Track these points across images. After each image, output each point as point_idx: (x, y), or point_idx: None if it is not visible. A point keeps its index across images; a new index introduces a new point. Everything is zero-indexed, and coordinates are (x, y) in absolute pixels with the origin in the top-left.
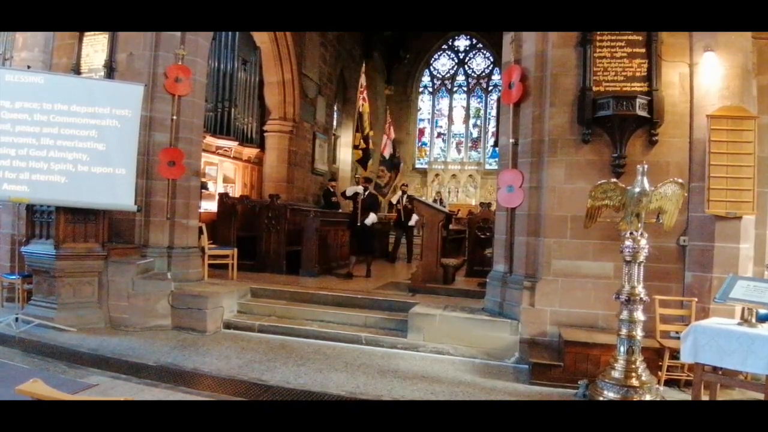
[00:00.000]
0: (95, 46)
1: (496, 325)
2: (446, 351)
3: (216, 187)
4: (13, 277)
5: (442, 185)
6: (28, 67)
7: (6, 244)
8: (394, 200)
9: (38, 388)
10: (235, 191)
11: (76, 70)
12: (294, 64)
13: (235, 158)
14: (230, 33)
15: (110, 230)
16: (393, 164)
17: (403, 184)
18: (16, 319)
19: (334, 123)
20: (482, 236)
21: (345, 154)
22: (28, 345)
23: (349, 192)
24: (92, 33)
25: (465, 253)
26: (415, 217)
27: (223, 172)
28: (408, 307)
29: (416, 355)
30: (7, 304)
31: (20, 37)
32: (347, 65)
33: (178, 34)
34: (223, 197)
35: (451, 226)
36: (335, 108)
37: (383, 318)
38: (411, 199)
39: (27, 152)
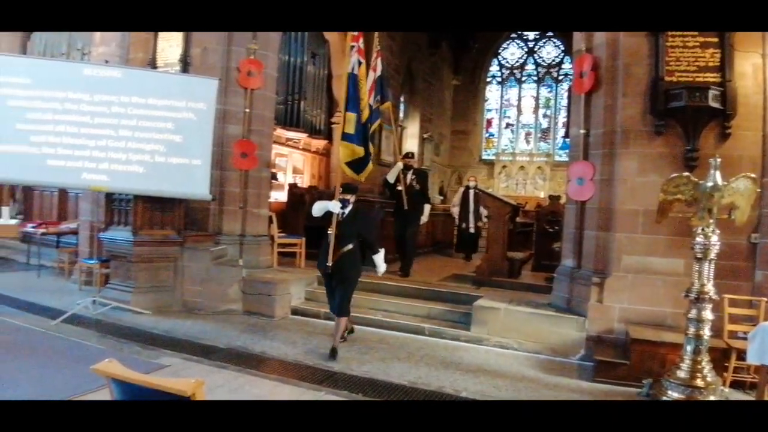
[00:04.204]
0: (170, 41)
1: (562, 321)
2: (510, 345)
3: (285, 178)
4: (92, 261)
5: (510, 177)
6: (106, 61)
7: (85, 230)
8: (391, 177)
9: (113, 367)
10: (304, 182)
11: (152, 64)
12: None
13: (303, 149)
14: None
15: (186, 218)
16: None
17: (406, 155)
18: (94, 301)
19: (401, 114)
20: (550, 230)
21: (411, 145)
22: (104, 326)
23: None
24: None
25: (532, 247)
26: (483, 212)
27: (293, 163)
28: (472, 300)
29: (479, 349)
30: (85, 287)
31: (98, 33)
32: (414, 56)
33: None
34: (293, 188)
35: (518, 219)
36: (402, 99)
37: (447, 310)
38: (420, 176)
39: (106, 143)
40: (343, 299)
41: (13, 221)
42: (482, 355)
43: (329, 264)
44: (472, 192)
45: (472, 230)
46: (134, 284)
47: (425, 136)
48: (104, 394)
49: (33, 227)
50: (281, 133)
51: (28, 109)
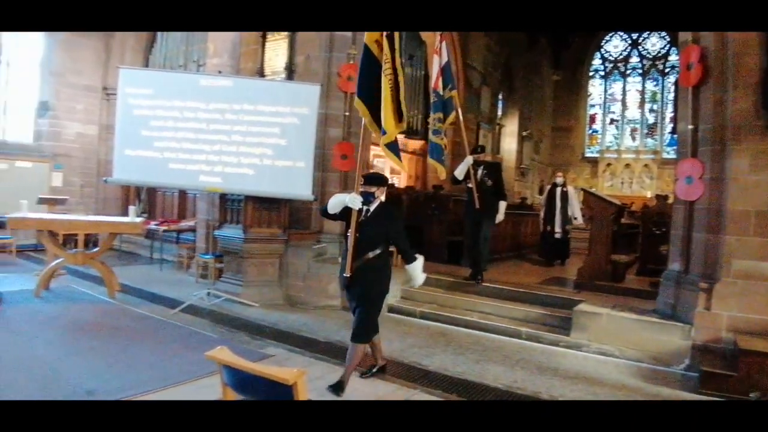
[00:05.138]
0: (276, 50)
1: (666, 329)
2: (611, 352)
3: None
4: (207, 256)
5: (615, 175)
6: (219, 72)
7: (202, 228)
8: (459, 174)
9: (224, 354)
10: (401, 182)
11: (260, 73)
12: (458, 55)
13: (401, 150)
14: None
15: (290, 217)
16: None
17: (478, 147)
18: (208, 293)
19: (499, 112)
20: (657, 232)
21: (510, 144)
22: (217, 316)
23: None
24: (273, 39)
25: (637, 250)
26: (576, 206)
27: (390, 164)
28: (572, 304)
29: (578, 355)
30: (201, 280)
31: (211, 45)
32: (513, 52)
33: (350, 34)
34: (390, 188)
35: (622, 220)
36: (500, 97)
37: (545, 314)
38: (492, 170)
39: (220, 147)
40: (361, 322)
41: (139, 219)
42: (581, 361)
43: (347, 275)
44: (559, 190)
45: (558, 234)
46: (244, 278)
47: (524, 133)
48: (216, 379)
49: (156, 225)
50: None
51: (151, 117)
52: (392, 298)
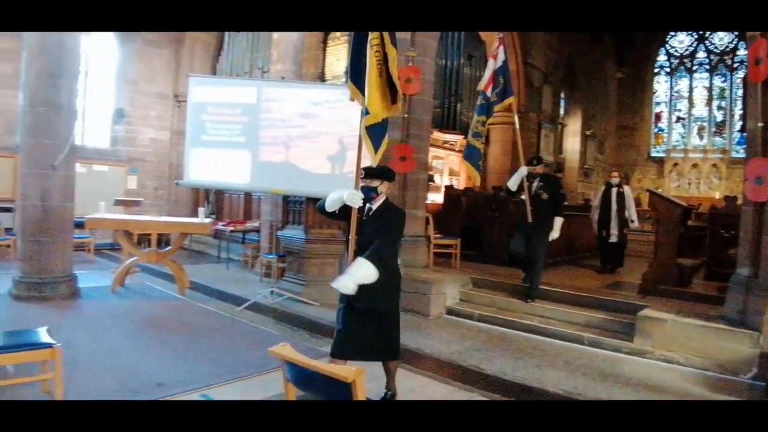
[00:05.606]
0: (336, 55)
1: (733, 336)
2: (675, 360)
3: (442, 180)
4: (271, 256)
5: (682, 176)
6: (282, 78)
7: (266, 228)
8: (512, 185)
9: (287, 351)
10: (460, 183)
11: (321, 77)
12: (519, 54)
13: (460, 151)
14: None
15: None
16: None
17: (533, 159)
18: (271, 292)
19: (561, 111)
20: (725, 234)
21: (572, 144)
22: (279, 314)
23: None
24: (334, 44)
25: (705, 254)
26: (633, 208)
27: (449, 165)
28: (636, 309)
29: (641, 361)
30: (265, 279)
31: (275, 51)
32: (575, 49)
33: (408, 36)
34: (449, 189)
35: (689, 222)
36: (562, 95)
37: (608, 319)
38: (549, 183)
39: (283, 150)
40: (387, 342)
41: (207, 220)
42: (644, 368)
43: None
44: (614, 191)
45: (614, 238)
46: (305, 278)
47: (588, 133)
48: (279, 375)
49: (223, 225)
50: (438, 135)
51: (218, 122)
52: (450, 300)
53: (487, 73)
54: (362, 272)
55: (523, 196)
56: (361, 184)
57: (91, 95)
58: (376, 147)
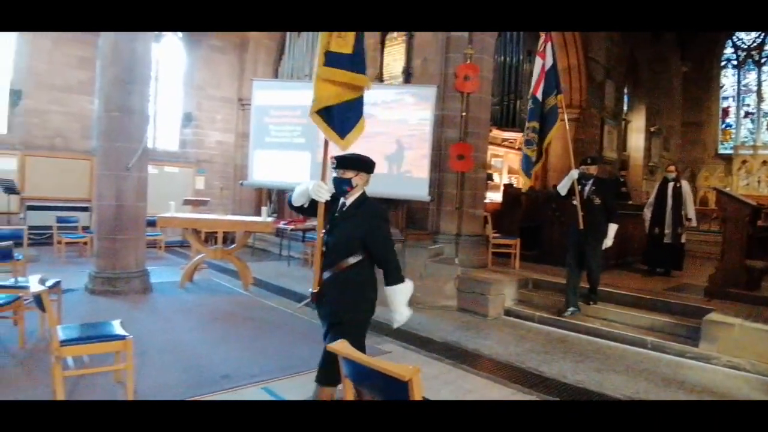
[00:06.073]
0: (394, 55)
1: None
2: (742, 366)
3: (501, 178)
4: None
5: (751, 173)
6: None
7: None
8: (563, 189)
9: (345, 347)
10: (520, 182)
11: (379, 78)
12: (580, 48)
13: (519, 149)
14: None
15: (407, 218)
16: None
17: (587, 159)
18: None
19: (624, 107)
20: None
21: (636, 140)
22: None
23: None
24: (391, 44)
25: None
26: (691, 205)
27: (508, 163)
28: (702, 313)
29: (706, 367)
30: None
31: None
32: (637, 44)
33: (467, 34)
34: (508, 188)
35: (759, 223)
36: (625, 91)
37: (672, 322)
38: (603, 187)
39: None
40: (324, 359)
41: (270, 219)
42: (709, 375)
43: (313, 291)
44: (671, 186)
45: (668, 238)
46: None
47: (652, 129)
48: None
49: (284, 224)
50: (497, 133)
51: (280, 125)
52: (509, 301)
53: (536, 75)
54: (404, 296)
55: (574, 201)
56: (333, 175)
57: (161, 100)
58: (342, 131)
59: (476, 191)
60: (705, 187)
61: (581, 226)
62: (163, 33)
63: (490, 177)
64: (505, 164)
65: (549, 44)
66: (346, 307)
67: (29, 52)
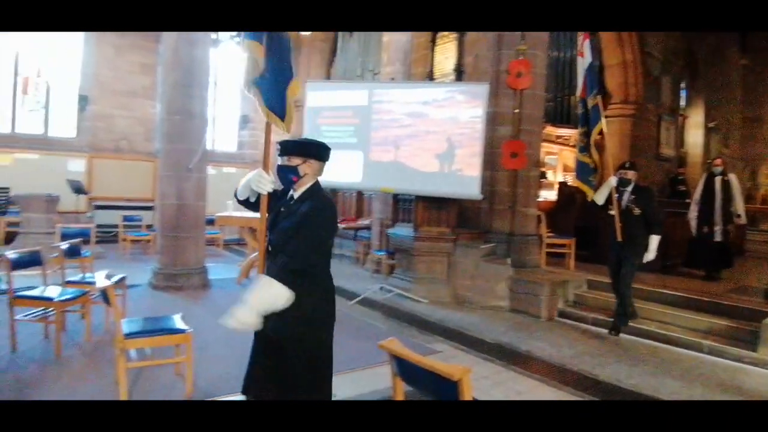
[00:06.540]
0: (445, 53)
1: None
2: None
3: (555, 176)
4: (381, 253)
5: None
6: (392, 79)
7: (376, 226)
8: (599, 198)
9: (395, 345)
10: (575, 180)
11: (430, 76)
12: (635, 42)
13: (574, 146)
14: None
15: (458, 217)
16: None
17: (623, 165)
18: (381, 288)
19: (682, 102)
20: None
21: (694, 137)
22: (388, 310)
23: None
24: (443, 42)
25: None
26: (740, 200)
27: (563, 161)
28: (761, 316)
29: (765, 373)
30: (375, 275)
31: (385, 54)
32: (695, 36)
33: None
34: (563, 186)
35: None
36: (682, 85)
37: (731, 326)
38: (642, 195)
39: (392, 150)
40: (273, 376)
41: None
42: (767, 380)
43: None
44: (718, 180)
45: (718, 236)
46: (414, 275)
47: (710, 125)
48: (387, 368)
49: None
50: (551, 130)
51: (333, 125)
52: (563, 302)
53: (580, 76)
54: (266, 299)
55: (611, 211)
56: (278, 163)
57: (220, 104)
58: (274, 107)
59: (529, 189)
60: (766, 184)
61: (619, 238)
62: (221, 39)
63: (543, 175)
64: (559, 162)
65: (587, 41)
66: (285, 320)
67: (95, 61)
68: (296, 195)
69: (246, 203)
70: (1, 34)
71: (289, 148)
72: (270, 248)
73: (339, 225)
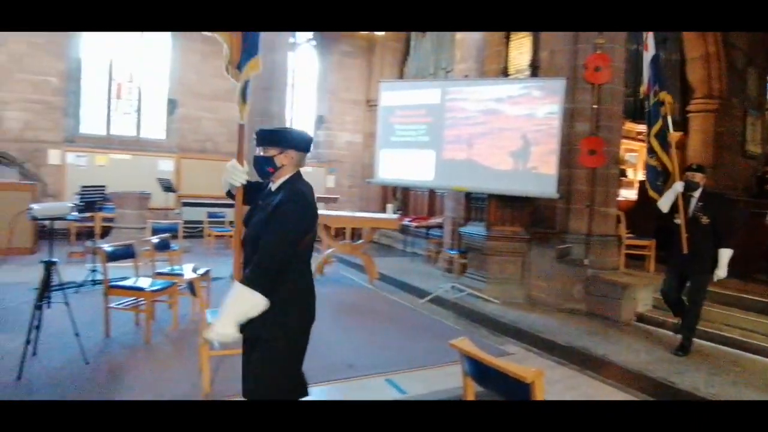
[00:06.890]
0: (519, 49)
1: None
2: None
3: (635, 174)
4: (452, 252)
5: None
6: (465, 76)
7: (448, 225)
8: (664, 206)
9: (467, 345)
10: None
11: (504, 73)
12: (718, 34)
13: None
14: None
15: (533, 216)
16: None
17: (692, 166)
18: (452, 287)
19: None
20: None
21: None
22: (459, 309)
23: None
24: (517, 38)
25: None
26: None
27: (643, 158)
28: None
29: None
30: (446, 273)
31: (458, 52)
32: None
33: None
34: (643, 185)
35: None
36: None
37: None
38: (713, 203)
39: (465, 147)
40: (255, 375)
41: (395, 216)
42: None
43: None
44: None
45: None
46: (486, 275)
47: None
48: (457, 368)
49: (409, 221)
50: (631, 127)
51: (405, 124)
52: (642, 306)
53: (645, 72)
54: (240, 308)
55: (677, 220)
56: (255, 154)
57: (297, 105)
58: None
59: (608, 188)
60: None
61: (684, 250)
62: (299, 42)
63: (623, 173)
64: (639, 159)
65: (651, 35)
66: (263, 320)
67: (181, 66)
68: (273, 187)
69: (229, 196)
70: (95, 41)
71: (265, 137)
72: (244, 243)
73: (410, 224)
